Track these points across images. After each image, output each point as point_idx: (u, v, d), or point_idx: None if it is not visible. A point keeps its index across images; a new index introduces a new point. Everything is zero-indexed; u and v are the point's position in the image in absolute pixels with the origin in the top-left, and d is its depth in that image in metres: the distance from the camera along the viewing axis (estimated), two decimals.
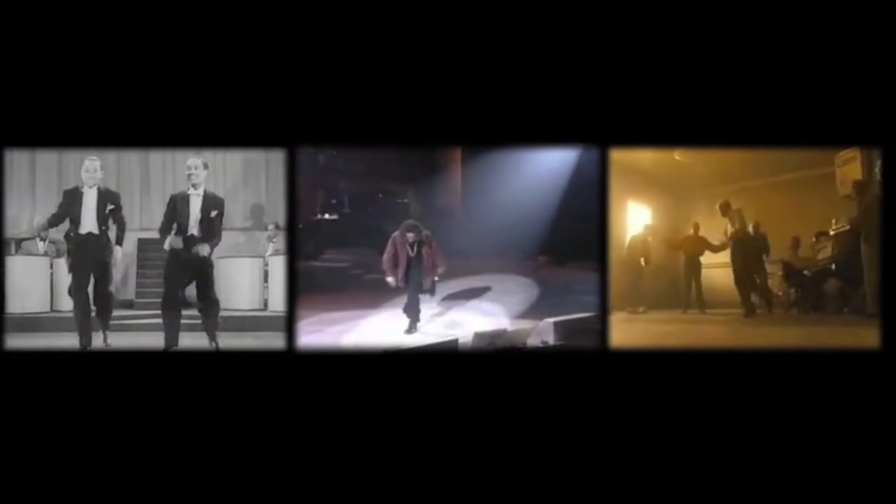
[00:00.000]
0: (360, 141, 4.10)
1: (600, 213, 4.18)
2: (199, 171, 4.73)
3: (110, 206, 4.70)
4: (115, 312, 5.07)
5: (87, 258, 4.70)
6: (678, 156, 4.94)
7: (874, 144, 4.14)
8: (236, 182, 6.32)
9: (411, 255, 5.23)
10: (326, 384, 4.01)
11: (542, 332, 4.66)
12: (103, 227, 4.71)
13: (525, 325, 4.85)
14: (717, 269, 5.86)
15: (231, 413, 3.96)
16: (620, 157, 4.18)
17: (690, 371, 4.05)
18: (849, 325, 4.63)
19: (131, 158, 6.32)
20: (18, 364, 4.01)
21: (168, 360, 4.08)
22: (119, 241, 4.80)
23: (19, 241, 5.44)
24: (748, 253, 5.61)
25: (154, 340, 4.72)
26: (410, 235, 5.21)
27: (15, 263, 5.23)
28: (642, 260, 5.89)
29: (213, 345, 4.62)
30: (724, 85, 4.05)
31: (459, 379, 4.04)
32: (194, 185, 4.73)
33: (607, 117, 4.06)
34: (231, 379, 3.99)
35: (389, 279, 5.27)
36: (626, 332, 4.26)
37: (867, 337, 4.08)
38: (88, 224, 4.68)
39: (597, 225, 4.18)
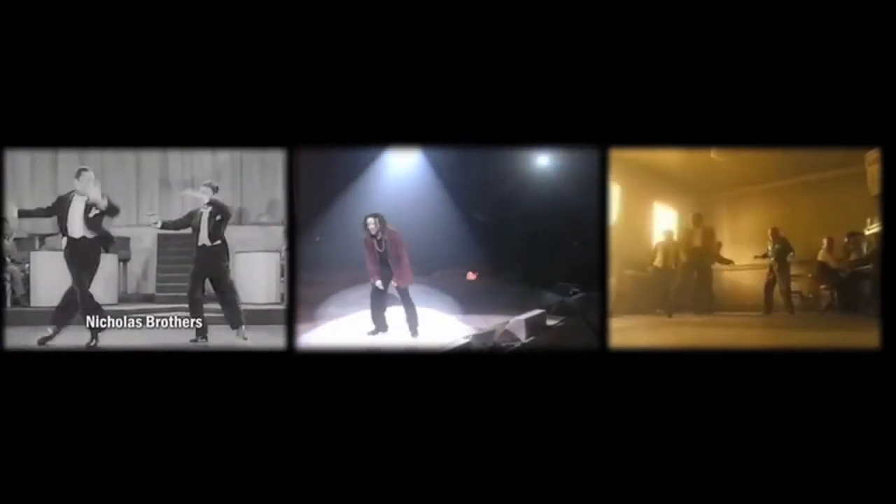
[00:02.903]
0: (361, 141, 4.11)
1: (600, 215, 4.15)
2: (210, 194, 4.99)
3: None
4: (136, 306, 5.20)
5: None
6: (714, 154, 4.84)
7: (874, 144, 4.07)
8: (253, 178, 6.37)
9: (378, 250, 4.90)
10: (326, 384, 4.04)
11: (514, 329, 4.59)
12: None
13: (498, 323, 4.73)
14: (740, 270, 5.78)
15: (231, 413, 4.01)
16: (639, 157, 4.12)
17: (690, 371, 4.03)
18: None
19: (151, 154, 6.39)
20: (18, 364, 4.10)
21: (168, 360, 4.13)
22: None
23: (43, 237, 5.57)
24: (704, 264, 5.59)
25: (174, 336, 4.78)
26: (371, 221, 4.85)
27: (38, 259, 5.34)
28: (674, 263, 5.79)
29: (241, 335, 4.68)
30: (723, 85, 4.02)
31: (458, 379, 4.05)
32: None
33: (607, 117, 4.03)
34: (231, 379, 4.04)
35: (378, 283, 4.97)
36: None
37: None
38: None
39: (597, 226, 4.15)
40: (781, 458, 3.96)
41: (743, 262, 5.72)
